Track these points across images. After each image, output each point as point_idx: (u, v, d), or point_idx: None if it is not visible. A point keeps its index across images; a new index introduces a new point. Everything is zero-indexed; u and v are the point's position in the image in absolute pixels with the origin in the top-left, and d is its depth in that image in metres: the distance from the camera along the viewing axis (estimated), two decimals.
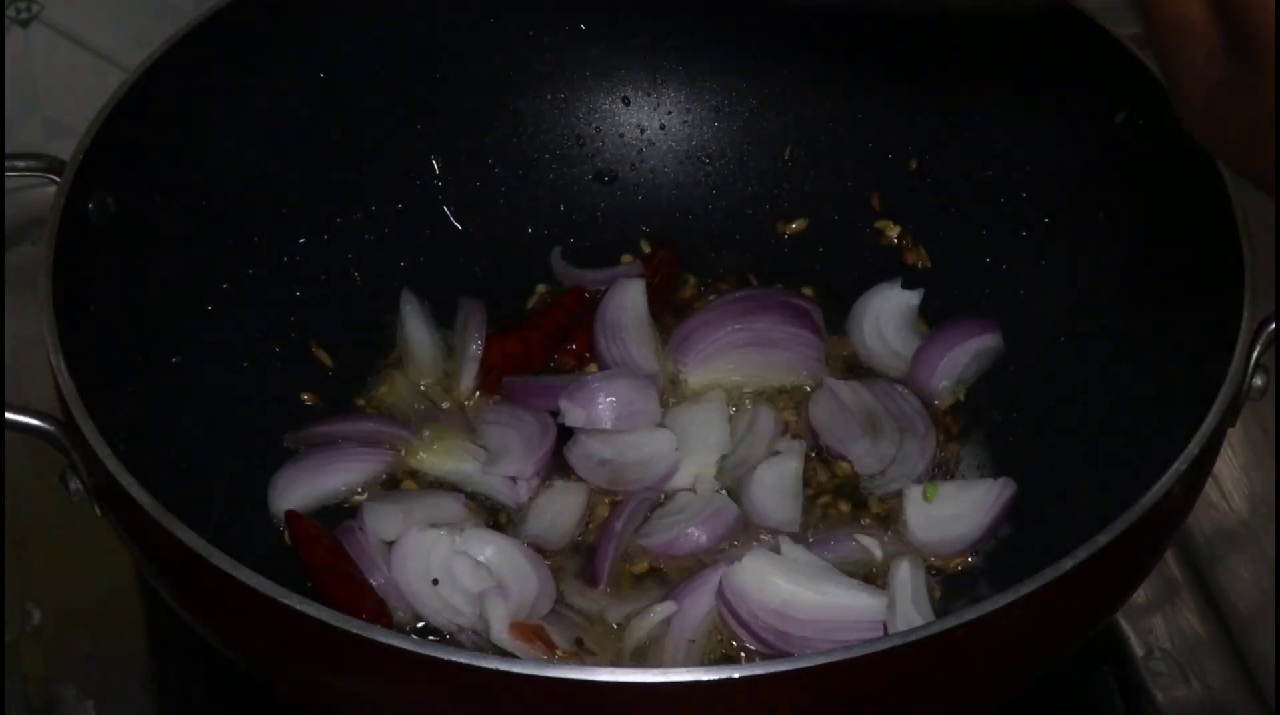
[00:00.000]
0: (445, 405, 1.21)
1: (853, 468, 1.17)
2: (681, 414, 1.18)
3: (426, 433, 1.18)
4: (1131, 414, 1.10)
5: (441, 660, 0.82)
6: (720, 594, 1.07)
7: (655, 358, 1.21)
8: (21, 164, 1.06)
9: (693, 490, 1.15)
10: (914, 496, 1.14)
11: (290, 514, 1.12)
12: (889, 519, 1.14)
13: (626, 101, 1.31)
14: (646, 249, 1.29)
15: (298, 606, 0.85)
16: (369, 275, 1.25)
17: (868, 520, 1.15)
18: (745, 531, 1.14)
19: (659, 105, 1.31)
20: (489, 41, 1.27)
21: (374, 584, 1.09)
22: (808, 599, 1.06)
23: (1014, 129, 1.21)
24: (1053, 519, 1.12)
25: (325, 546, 1.10)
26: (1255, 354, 0.98)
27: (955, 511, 1.13)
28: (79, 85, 1.40)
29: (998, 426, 1.19)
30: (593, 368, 1.22)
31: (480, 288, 1.27)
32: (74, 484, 0.97)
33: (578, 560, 1.12)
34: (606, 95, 1.31)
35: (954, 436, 1.19)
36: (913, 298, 1.24)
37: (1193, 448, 0.93)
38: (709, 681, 0.82)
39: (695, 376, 1.21)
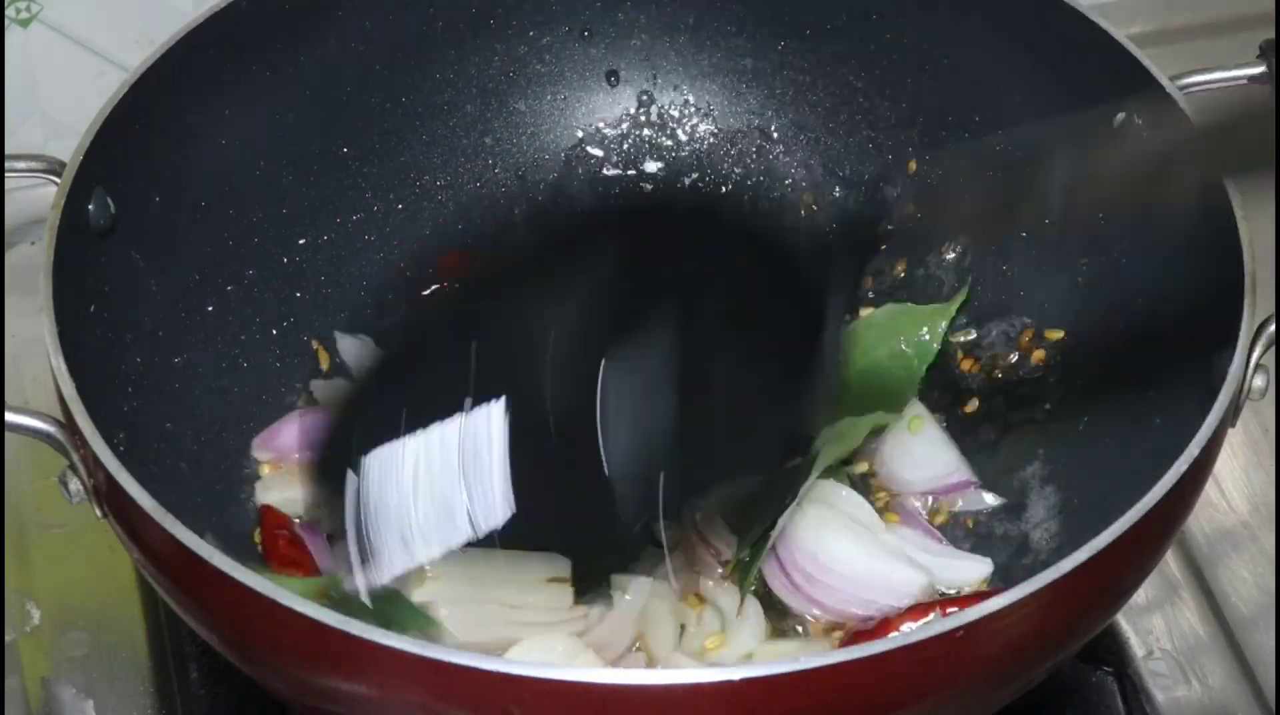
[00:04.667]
0: None
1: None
2: None
3: None
4: (1132, 414, 1.10)
5: (441, 661, 0.82)
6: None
7: None
8: (21, 164, 1.06)
9: None
10: (898, 427, 1.16)
11: (264, 507, 1.13)
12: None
13: (627, 102, 1.31)
14: None
15: (297, 607, 0.85)
16: (370, 276, 1.25)
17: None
18: None
19: (659, 105, 1.31)
20: (489, 41, 1.27)
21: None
22: (851, 557, 1.07)
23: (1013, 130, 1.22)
24: (1053, 520, 1.12)
25: (285, 538, 1.11)
26: (1255, 354, 0.98)
27: (926, 456, 1.15)
28: (79, 85, 1.40)
29: (997, 427, 1.19)
30: None
31: None
32: (74, 485, 0.97)
33: None
34: (607, 95, 1.31)
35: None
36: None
37: (1193, 448, 0.93)
38: (709, 683, 0.82)
39: None
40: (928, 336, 1.21)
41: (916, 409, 1.18)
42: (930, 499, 1.16)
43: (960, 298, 1.22)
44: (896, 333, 1.21)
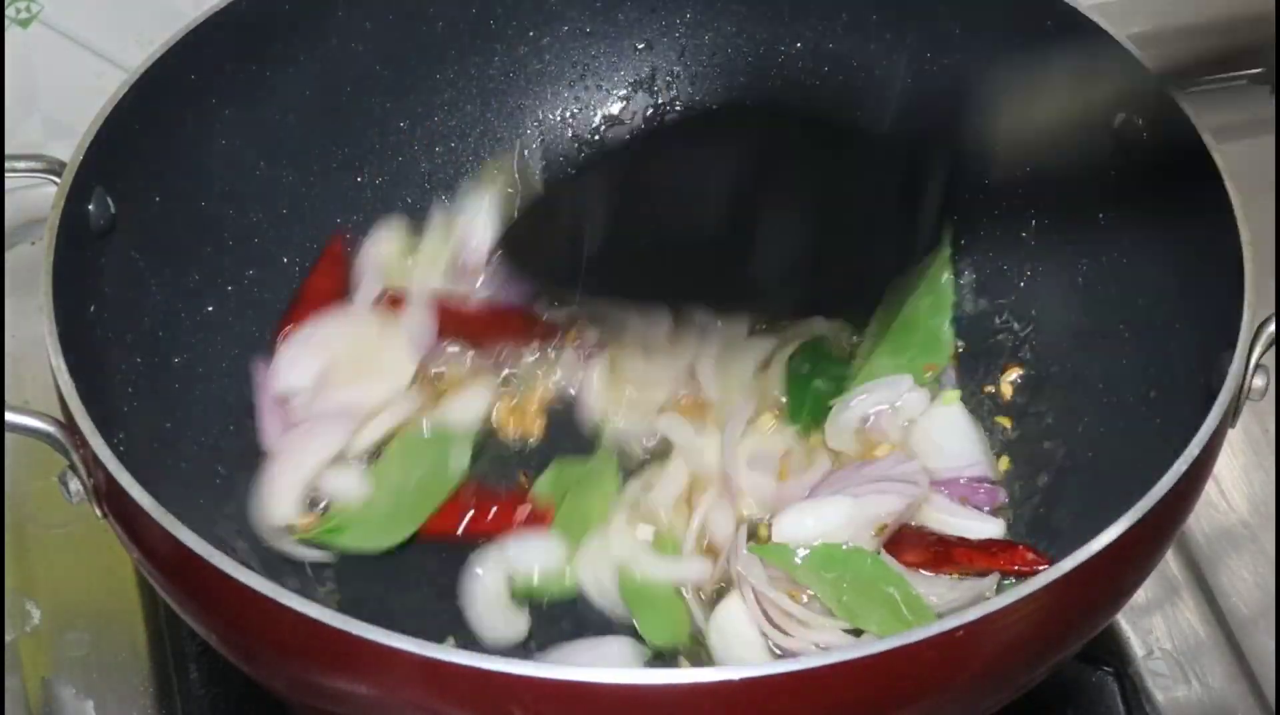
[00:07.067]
0: None
1: None
2: None
3: None
4: (1132, 414, 1.10)
5: (441, 661, 0.82)
6: None
7: None
8: (21, 164, 1.06)
9: None
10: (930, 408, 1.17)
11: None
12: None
13: (627, 101, 1.31)
14: None
15: (297, 607, 0.85)
16: None
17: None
18: None
19: (660, 107, 1.31)
20: (489, 41, 1.27)
21: None
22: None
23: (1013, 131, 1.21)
24: (1053, 520, 1.12)
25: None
26: (1255, 354, 0.98)
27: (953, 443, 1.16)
28: (79, 85, 1.40)
29: (995, 428, 1.19)
30: None
31: None
32: (74, 485, 0.97)
33: None
34: (607, 95, 1.31)
35: None
36: None
37: (1193, 448, 0.93)
38: (709, 683, 0.82)
39: None
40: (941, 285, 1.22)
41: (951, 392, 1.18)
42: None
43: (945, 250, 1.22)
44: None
